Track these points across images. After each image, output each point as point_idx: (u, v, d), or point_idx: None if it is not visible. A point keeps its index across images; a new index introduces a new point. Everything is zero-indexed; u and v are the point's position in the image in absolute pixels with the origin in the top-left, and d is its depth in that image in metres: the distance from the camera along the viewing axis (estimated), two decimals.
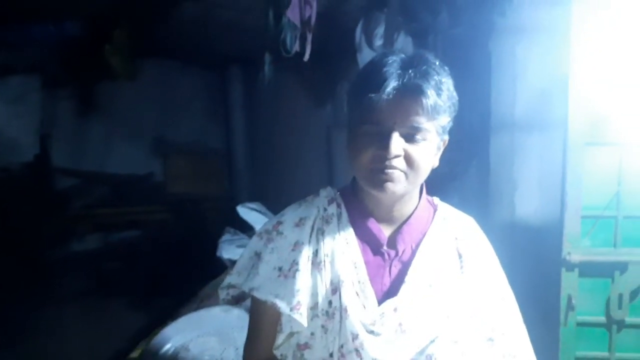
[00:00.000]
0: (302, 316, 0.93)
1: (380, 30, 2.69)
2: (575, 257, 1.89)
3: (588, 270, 1.92)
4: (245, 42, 3.58)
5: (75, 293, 4.13)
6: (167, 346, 1.61)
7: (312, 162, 4.32)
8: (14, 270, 3.92)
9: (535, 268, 2.04)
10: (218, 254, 2.72)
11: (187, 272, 3.38)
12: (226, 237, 2.84)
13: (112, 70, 4.25)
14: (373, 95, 0.87)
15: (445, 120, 0.93)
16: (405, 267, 0.98)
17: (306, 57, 2.17)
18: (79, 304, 3.91)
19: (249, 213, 2.83)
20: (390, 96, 0.87)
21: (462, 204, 1.14)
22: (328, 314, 0.94)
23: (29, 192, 4.58)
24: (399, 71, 0.88)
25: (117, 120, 5.22)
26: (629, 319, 1.93)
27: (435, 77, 0.89)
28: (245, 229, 2.91)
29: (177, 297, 2.87)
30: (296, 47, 2.11)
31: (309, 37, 2.12)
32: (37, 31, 4.01)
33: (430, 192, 1.09)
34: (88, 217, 5.03)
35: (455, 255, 1.02)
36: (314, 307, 0.95)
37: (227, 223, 3.03)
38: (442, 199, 1.11)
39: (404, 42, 2.68)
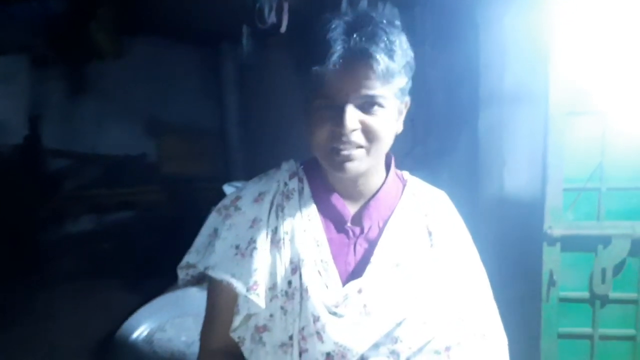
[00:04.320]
0: (259, 297, 0.89)
1: (365, 1, 2.62)
2: (557, 231, 1.84)
3: (570, 244, 1.88)
4: (237, 18, 3.50)
5: (69, 274, 4.13)
6: (140, 329, 1.59)
7: (307, 140, 4.27)
8: (7, 253, 3.92)
9: (521, 243, 2.01)
10: None
11: (181, 253, 3.37)
12: None
13: (99, 48, 4.19)
14: (318, 67, 0.81)
15: (402, 81, 0.87)
16: (372, 246, 0.94)
17: (283, 28, 2.11)
18: (72, 285, 3.90)
19: None
20: (337, 66, 0.80)
21: (452, 180, 1.11)
22: (287, 295, 0.90)
23: (20, 175, 4.56)
24: (343, 36, 0.81)
25: (108, 100, 5.16)
26: (612, 294, 1.89)
27: (384, 38, 0.82)
28: None
29: (170, 277, 2.85)
30: (272, 19, 2.05)
31: (286, 6, 2.06)
32: (20, 9, 3.93)
33: (419, 169, 1.06)
34: (81, 199, 5.02)
35: (424, 232, 0.98)
36: (272, 287, 0.91)
37: None
38: (432, 175, 1.07)
39: (390, 14, 2.60)
